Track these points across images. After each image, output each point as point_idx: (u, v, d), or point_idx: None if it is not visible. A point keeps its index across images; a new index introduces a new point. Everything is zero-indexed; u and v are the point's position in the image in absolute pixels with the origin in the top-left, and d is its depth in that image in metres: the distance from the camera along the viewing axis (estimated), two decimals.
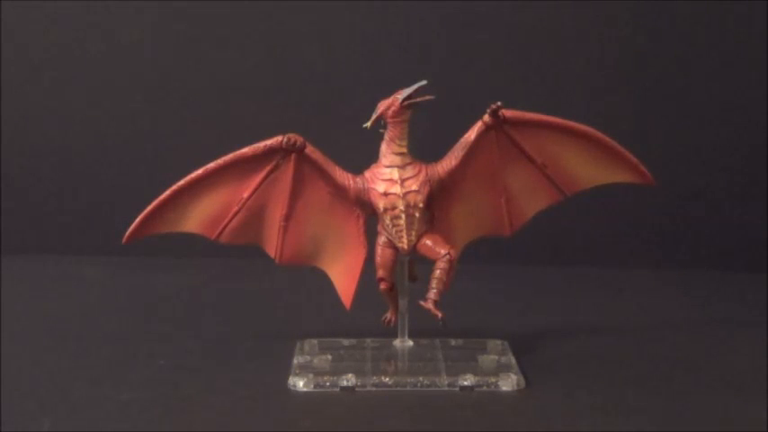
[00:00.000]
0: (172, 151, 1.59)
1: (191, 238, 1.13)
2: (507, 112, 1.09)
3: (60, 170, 1.64)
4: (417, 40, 1.59)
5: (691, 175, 1.58)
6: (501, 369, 1.08)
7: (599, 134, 1.12)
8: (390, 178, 1.08)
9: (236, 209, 1.11)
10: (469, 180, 1.11)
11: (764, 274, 1.51)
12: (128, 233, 1.11)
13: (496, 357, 1.12)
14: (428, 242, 1.10)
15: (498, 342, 1.16)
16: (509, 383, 1.06)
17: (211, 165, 1.10)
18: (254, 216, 1.12)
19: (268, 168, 1.11)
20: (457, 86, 1.51)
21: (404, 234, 1.09)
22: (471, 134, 1.10)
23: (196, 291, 1.46)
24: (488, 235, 1.15)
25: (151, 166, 1.59)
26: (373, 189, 1.09)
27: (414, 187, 1.08)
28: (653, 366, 1.14)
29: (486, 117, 1.09)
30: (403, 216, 1.09)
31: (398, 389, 1.06)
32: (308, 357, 1.12)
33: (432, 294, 1.08)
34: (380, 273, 1.11)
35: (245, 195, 1.11)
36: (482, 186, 1.12)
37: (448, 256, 1.09)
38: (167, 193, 1.10)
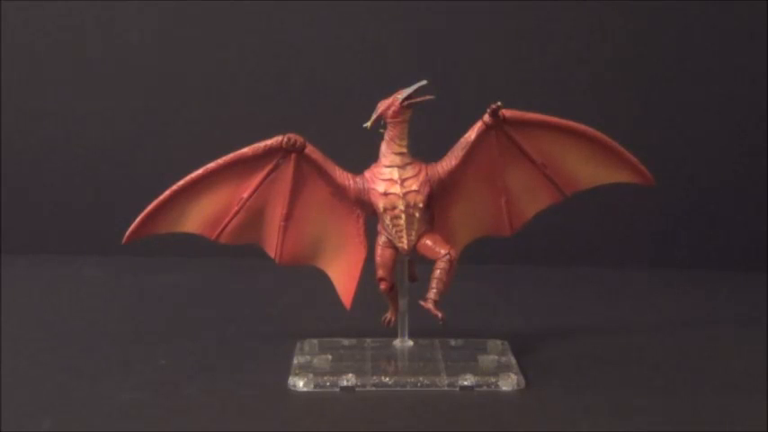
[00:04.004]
0: (172, 151, 1.59)
1: (191, 238, 1.13)
2: (507, 112, 1.09)
3: (60, 170, 1.64)
4: (417, 40, 1.59)
5: (691, 175, 1.58)
6: (501, 369, 1.08)
7: (599, 134, 1.12)
8: (390, 178, 1.08)
9: (235, 209, 1.11)
10: (470, 180, 1.11)
11: (764, 273, 1.51)
12: (128, 233, 1.11)
13: (496, 357, 1.12)
14: (428, 242, 1.10)
15: (498, 342, 1.16)
16: (509, 383, 1.06)
17: (211, 165, 1.10)
18: (254, 216, 1.12)
19: (268, 168, 1.11)
20: (457, 86, 1.51)
21: (404, 234, 1.09)
22: (471, 134, 1.10)
23: (196, 291, 1.46)
24: (488, 235, 1.15)
25: (151, 166, 1.59)
26: (373, 189, 1.09)
27: (414, 187, 1.08)
28: (653, 366, 1.14)
29: (486, 117, 1.09)
30: (403, 216, 1.08)
31: (398, 389, 1.05)
32: (308, 357, 1.12)
33: (432, 294, 1.08)
34: (380, 273, 1.11)
35: (245, 195, 1.11)
36: (482, 186, 1.12)
37: (448, 256, 1.09)
38: (167, 193, 1.10)
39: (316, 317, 1.29)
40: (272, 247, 1.13)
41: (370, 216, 1.12)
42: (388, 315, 1.16)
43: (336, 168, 1.11)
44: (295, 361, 1.11)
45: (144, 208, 1.10)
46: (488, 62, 1.58)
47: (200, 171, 1.10)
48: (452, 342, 1.16)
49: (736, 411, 1.01)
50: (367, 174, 1.10)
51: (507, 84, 1.57)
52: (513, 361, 1.11)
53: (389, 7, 1.59)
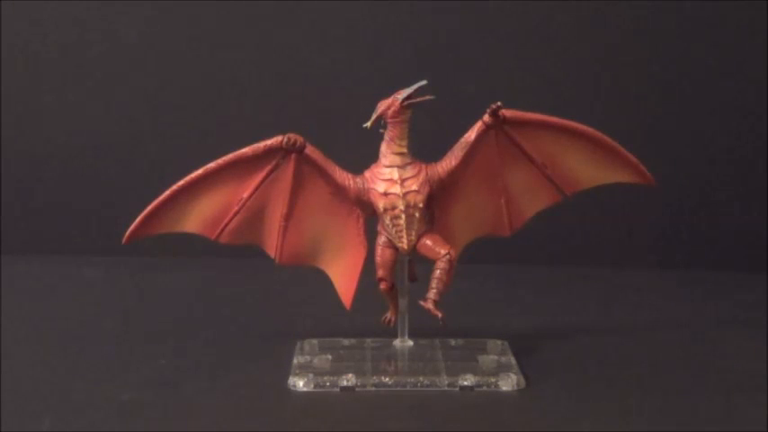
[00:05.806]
0: (172, 151, 1.59)
1: (191, 238, 1.13)
2: (507, 112, 1.09)
3: (60, 170, 1.64)
4: (417, 41, 1.59)
5: (691, 175, 1.58)
6: (501, 369, 1.08)
7: (599, 134, 1.12)
8: (390, 178, 1.08)
9: (236, 209, 1.11)
10: (469, 180, 1.11)
11: (764, 274, 1.51)
12: (128, 233, 1.11)
13: (496, 357, 1.12)
14: (428, 242, 1.10)
15: (498, 342, 1.16)
16: (509, 383, 1.06)
17: (211, 165, 1.10)
18: (254, 216, 1.12)
19: (268, 168, 1.11)
20: (457, 86, 1.51)
21: (404, 234, 1.09)
22: (471, 134, 1.10)
23: (196, 291, 1.46)
24: (488, 235, 1.15)
25: (151, 166, 1.59)
26: (373, 189, 1.09)
27: (414, 187, 1.08)
28: (653, 366, 1.14)
29: (486, 117, 1.09)
30: (403, 216, 1.08)
31: (398, 389, 1.05)
32: (308, 357, 1.12)
33: (432, 294, 1.09)
34: (380, 273, 1.11)
35: (245, 195, 1.11)
36: (482, 186, 1.12)
37: (448, 256, 1.09)
38: (167, 193, 1.10)
39: (316, 317, 1.29)
40: (272, 247, 1.13)
41: (370, 216, 1.12)
42: (388, 315, 1.16)
43: (336, 168, 1.11)
44: (295, 361, 1.11)
45: (144, 208, 1.10)
46: (488, 62, 1.58)
47: (200, 171, 1.10)
48: (452, 342, 1.16)
49: (736, 411, 1.01)
50: (367, 174, 1.10)
51: (507, 84, 1.57)
52: (513, 361, 1.11)
53: (390, 7, 1.59)
